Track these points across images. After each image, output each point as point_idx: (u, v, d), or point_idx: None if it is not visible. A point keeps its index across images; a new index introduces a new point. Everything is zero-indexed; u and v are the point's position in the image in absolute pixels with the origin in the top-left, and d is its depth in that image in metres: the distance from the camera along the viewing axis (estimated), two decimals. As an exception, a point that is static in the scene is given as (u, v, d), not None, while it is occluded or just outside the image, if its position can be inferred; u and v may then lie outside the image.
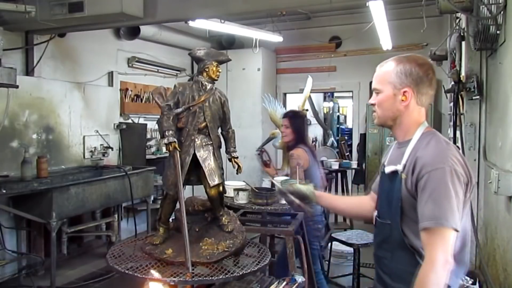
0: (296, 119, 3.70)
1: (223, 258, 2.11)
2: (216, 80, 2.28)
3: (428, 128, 1.54)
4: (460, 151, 1.51)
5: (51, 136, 4.54)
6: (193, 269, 1.98)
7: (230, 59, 2.47)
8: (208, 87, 2.24)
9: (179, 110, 2.17)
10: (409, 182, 1.45)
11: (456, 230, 1.37)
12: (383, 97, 1.55)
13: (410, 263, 1.45)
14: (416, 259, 1.45)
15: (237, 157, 2.41)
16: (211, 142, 2.25)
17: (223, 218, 2.29)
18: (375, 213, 1.66)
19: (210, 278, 1.96)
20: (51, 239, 3.86)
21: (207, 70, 2.24)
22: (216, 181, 2.21)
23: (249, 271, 2.04)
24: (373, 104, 1.61)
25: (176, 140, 2.14)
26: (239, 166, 2.40)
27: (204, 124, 2.21)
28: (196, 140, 2.22)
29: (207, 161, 2.22)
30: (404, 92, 1.50)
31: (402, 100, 1.51)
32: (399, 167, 1.49)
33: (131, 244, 2.38)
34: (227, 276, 1.98)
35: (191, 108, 2.20)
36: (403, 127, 1.56)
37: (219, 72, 2.28)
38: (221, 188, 2.25)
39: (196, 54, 2.28)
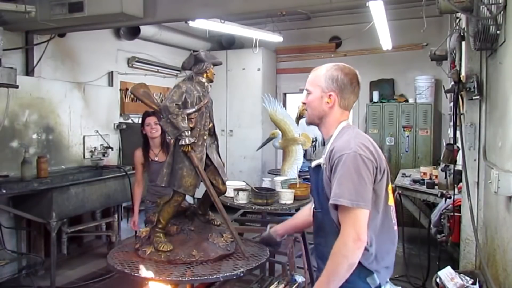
0: None
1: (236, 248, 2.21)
2: (212, 81, 2.34)
3: (348, 125, 1.73)
4: (372, 145, 1.66)
5: (51, 136, 4.54)
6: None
7: (221, 62, 2.54)
8: (209, 89, 2.29)
9: (192, 110, 2.17)
10: (327, 170, 1.62)
11: (366, 208, 1.51)
12: (312, 98, 1.74)
13: None
14: None
15: None
16: (214, 141, 2.32)
17: (210, 214, 2.39)
18: (313, 206, 1.81)
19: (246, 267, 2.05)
20: (51, 239, 3.87)
21: (207, 72, 2.28)
22: (226, 178, 2.30)
23: (259, 263, 2.11)
24: (304, 103, 1.79)
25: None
26: None
27: (211, 124, 2.27)
28: (206, 139, 2.26)
29: (217, 159, 2.29)
30: (330, 95, 1.70)
31: (327, 102, 1.71)
32: (321, 160, 1.67)
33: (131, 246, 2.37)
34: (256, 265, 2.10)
35: (199, 108, 2.23)
36: (326, 125, 1.74)
37: (214, 74, 2.36)
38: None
39: (201, 56, 2.31)
